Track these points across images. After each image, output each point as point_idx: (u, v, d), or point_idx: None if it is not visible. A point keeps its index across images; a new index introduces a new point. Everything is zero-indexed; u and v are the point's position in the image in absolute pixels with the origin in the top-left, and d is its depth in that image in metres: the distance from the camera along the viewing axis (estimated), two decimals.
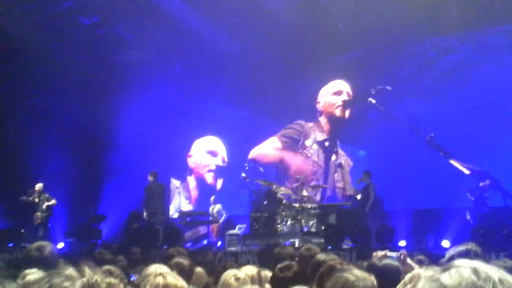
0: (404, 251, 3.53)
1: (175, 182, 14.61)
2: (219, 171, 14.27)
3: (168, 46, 12.93)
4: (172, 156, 13.98)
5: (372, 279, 2.17)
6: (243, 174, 10.79)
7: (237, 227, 10.42)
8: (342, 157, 13.01)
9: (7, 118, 11.94)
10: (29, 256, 3.34)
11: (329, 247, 7.95)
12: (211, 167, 14.39)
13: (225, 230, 10.45)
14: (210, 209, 12.02)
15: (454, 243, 7.47)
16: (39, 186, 10.71)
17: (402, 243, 8.59)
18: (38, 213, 10.49)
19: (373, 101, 12.35)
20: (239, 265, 3.69)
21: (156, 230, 10.12)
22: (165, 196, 11.79)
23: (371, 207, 10.11)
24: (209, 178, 14.35)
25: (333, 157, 13.01)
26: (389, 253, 3.55)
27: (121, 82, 12.72)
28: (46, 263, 3.13)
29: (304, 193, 10.21)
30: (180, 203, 14.42)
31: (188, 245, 10.61)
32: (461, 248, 2.84)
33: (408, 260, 3.45)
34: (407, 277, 2.36)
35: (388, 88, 12.18)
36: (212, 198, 12.31)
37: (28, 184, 10.93)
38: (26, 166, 11.74)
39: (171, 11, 12.05)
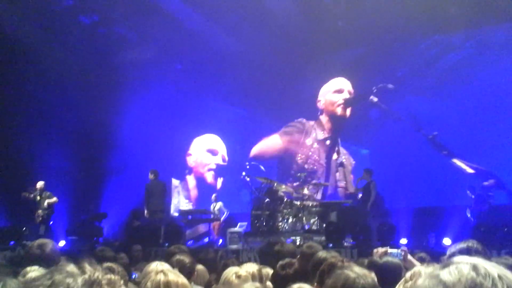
0: (405, 248, 3.52)
1: (174, 182, 14.51)
2: (219, 170, 14.22)
3: (168, 45, 12.92)
4: (172, 155, 13.96)
5: (372, 276, 2.17)
6: (244, 173, 10.79)
7: (238, 225, 10.42)
8: (343, 156, 12.96)
9: (8, 117, 11.95)
10: (31, 254, 3.34)
11: (330, 245, 7.95)
12: (211, 166, 14.30)
13: (226, 228, 10.45)
14: (212, 207, 12.01)
15: (455, 241, 7.46)
16: (40, 184, 10.70)
17: (404, 241, 8.60)
18: (39, 211, 10.48)
19: (375, 99, 12.31)
20: (240, 263, 3.70)
21: (157, 228, 10.12)
22: (166, 194, 11.78)
23: (372, 205, 10.10)
24: (209, 177, 14.26)
25: (334, 156, 12.96)
26: (389, 250, 3.55)
27: (121, 81, 12.73)
28: (47, 260, 3.13)
29: (305, 191, 10.21)
30: (179, 202, 14.36)
31: (189, 243, 10.61)
32: (462, 245, 2.83)
33: (409, 257, 3.45)
34: (408, 274, 2.37)
35: (390, 86, 12.13)
36: (214, 196, 12.28)
37: (29, 182, 10.93)
38: (27, 164, 11.74)
39: (171, 10, 12.05)
